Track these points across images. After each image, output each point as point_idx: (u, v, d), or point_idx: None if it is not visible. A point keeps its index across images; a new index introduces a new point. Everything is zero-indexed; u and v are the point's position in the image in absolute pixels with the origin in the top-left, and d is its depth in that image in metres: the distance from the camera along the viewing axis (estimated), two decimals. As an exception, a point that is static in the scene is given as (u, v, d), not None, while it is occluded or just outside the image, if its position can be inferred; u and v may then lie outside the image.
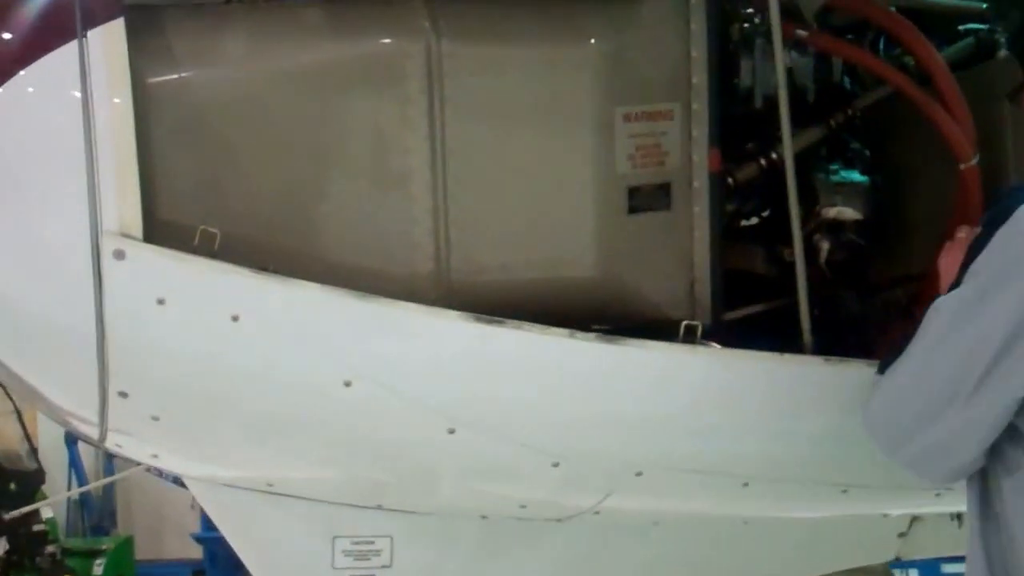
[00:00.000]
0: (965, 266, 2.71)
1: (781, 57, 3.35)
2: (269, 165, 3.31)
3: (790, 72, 3.86)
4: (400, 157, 3.34)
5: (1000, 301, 2.58)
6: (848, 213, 3.95)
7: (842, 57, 3.87)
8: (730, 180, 3.82)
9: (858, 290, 4.16)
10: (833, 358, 3.44)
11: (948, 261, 3.09)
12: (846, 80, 4.05)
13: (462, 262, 3.40)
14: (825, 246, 3.94)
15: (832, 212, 3.96)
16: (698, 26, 3.51)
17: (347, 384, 3.23)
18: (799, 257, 3.40)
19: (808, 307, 3.45)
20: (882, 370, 2.93)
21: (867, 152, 4.13)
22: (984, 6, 4.13)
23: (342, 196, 3.34)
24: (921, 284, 4.02)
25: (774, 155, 3.88)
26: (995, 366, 2.58)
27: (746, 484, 3.68)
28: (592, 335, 3.29)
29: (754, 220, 4.15)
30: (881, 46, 4.07)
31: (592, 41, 3.45)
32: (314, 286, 3.15)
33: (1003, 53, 3.94)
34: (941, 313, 2.74)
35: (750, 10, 3.77)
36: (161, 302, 3.08)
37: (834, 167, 4.04)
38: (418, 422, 3.35)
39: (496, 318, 3.22)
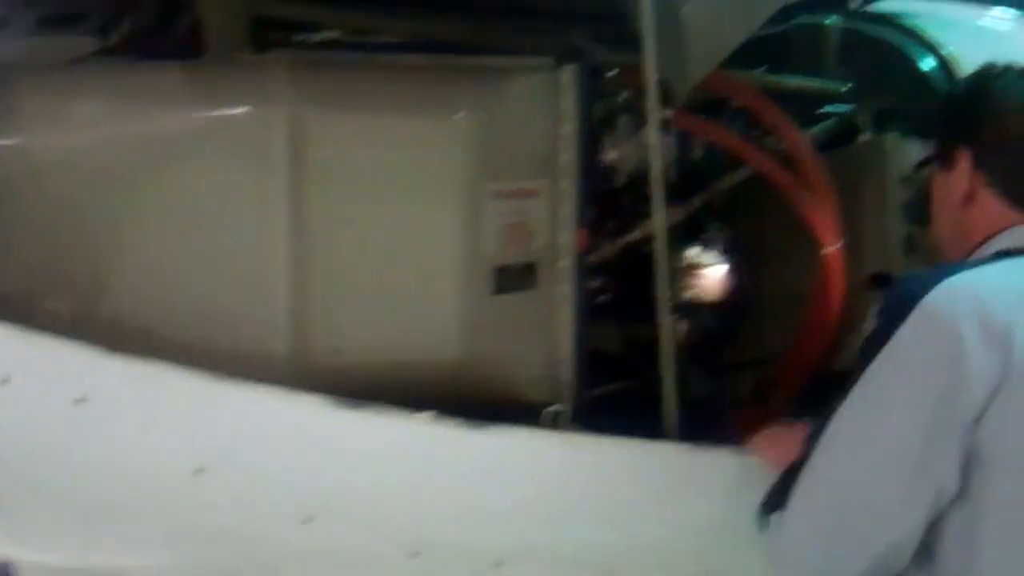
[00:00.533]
0: (863, 362, 2.61)
1: (657, 138, 3.28)
2: (119, 237, 3.14)
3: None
4: (259, 231, 3.19)
5: (911, 396, 2.50)
6: (706, 295, 3.93)
7: (707, 138, 3.84)
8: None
9: (710, 371, 4.15)
10: (698, 445, 3.38)
11: (773, 453, 3.07)
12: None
13: (321, 342, 3.26)
14: (682, 328, 3.91)
15: (691, 294, 3.94)
16: (568, 103, 3.44)
17: (198, 471, 3.05)
18: (666, 342, 3.32)
19: (674, 393, 3.37)
20: (770, 507, 2.80)
21: (725, 233, 4.11)
22: (846, 87, 4.17)
23: (197, 271, 3.18)
24: (774, 367, 4.06)
25: (632, 235, 3.86)
26: (919, 470, 2.50)
27: (609, 573, 3.59)
28: (456, 421, 3.17)
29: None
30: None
31: (462, 114, 3.34)
32: (166, 366, 2.98)
33: (865, 135, 3.99)
34: (842, 430, 2.61)
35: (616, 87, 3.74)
36: (4, 381, 2.89)
37: (691, 247, 4.02)
38: (272, 511, 3.19)
39: (357, 402, 3.09)
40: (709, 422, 3.86)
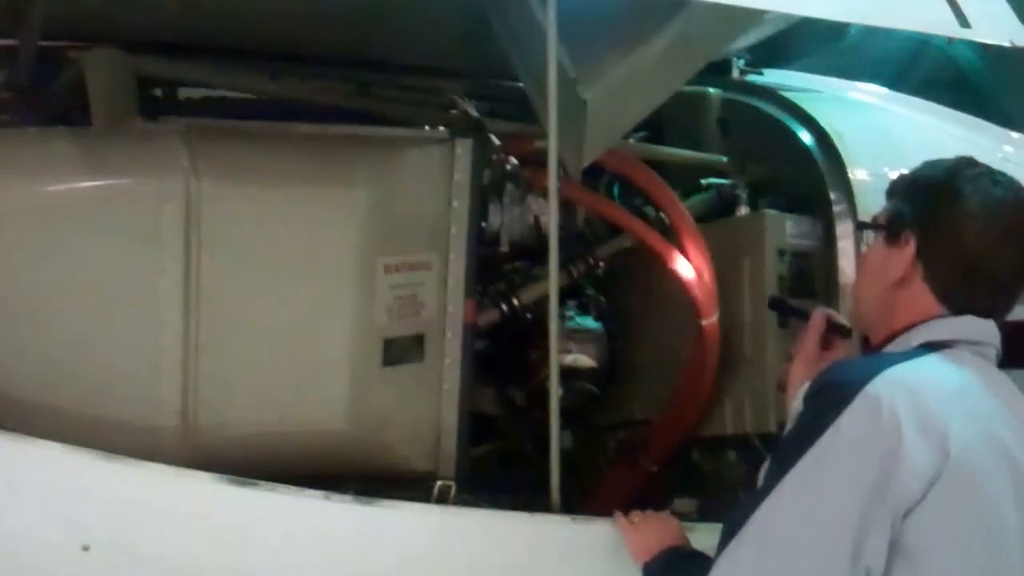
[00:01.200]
0: (794, 443, 2.61)
1: (556, 207, 3.30)
2: (5, 310, 3.08)
3: (536, 219, 3.91)
4: (151, 305, 3.16)
5: (850, 484, 2.51)
6: (583, 361, 3.98)
7: (590, 208, 3.88)
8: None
9: (580, 433, 4.21)
10: (579, 517, 3.41)
11: (635, 540, 3.13)
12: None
13: (210, 417, 3.24)
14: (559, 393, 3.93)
15: (568, 359, 3.97)
16: (461, 176, 3.47)
17: (85, 549, 2.97)
18: (554, 416, 3.34)
19: (559, 466, 3.39)
20: None
21: (601, 298, 4.17)
22: (724, 160, 4.24)
23: (85, 344, 3.14)
24: (643, 430, 4.15)
25: (515, 300, 3.91)
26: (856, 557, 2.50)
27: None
28: (348, 497, 3.16)
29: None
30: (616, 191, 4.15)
31: (357, 188, 3.36)
32: (51, 444, 2.92)
33: (743, 209, 4.05)
34: (779, 515, 2.57)
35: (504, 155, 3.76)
36: None
37: (569, 312, 4.07)
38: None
39: (249, 480, 3.05)
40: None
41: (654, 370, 4.15)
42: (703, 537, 3.31)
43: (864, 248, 3.12)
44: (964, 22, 3.26)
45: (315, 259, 3.33)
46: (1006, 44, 3.38)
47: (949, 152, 4.30)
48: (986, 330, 2.78)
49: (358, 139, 3.46)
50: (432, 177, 3.47)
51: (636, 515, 3.25)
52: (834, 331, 3.18)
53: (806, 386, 2.69)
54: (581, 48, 3.23)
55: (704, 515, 3.91)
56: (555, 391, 3.35)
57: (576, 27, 3.16)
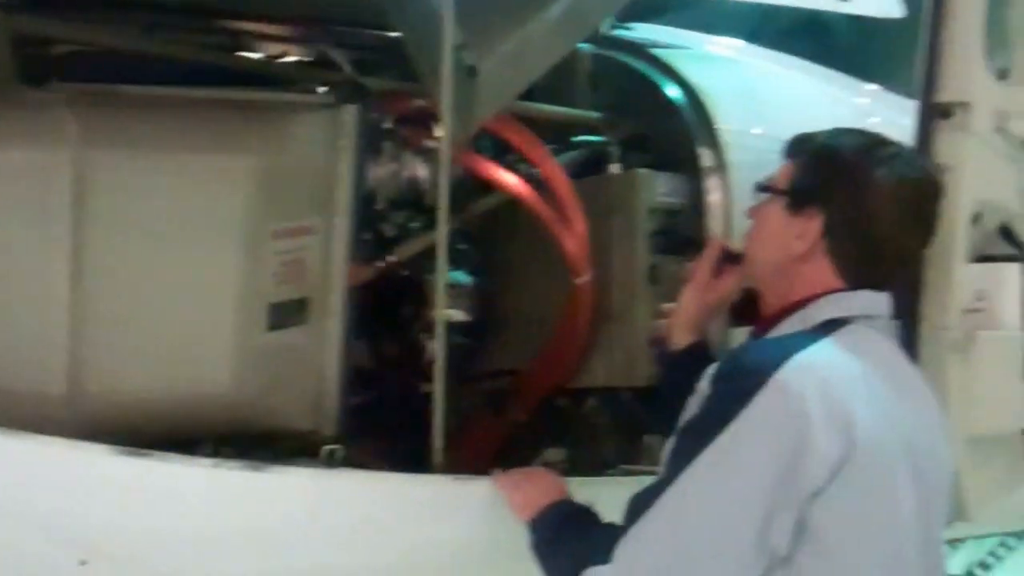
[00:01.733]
0: (699, 426, 2.69)
1: (447, 171, 3.34)
2: None
3: (414, 177, 3.95)
4: (39, 274, 3.15)
5: (759, 468, 2.59)
6: (457, 315, 4.04)
7: (469, 168, 3.91)
8: None
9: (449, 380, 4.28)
10: (462, 476, 3.49)
11: (517, 498, 3.16)
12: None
13: (98, 384, 3.25)
14: (431, 346, 3.98)
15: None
16: (347, 142, 3.50)
17: (-24, 524, 3.01)
18: (438, 379, 3.39)
19: (443, 427, 3.46)
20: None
21: (473, 252, 4.23)
22: (595, 115, 4.28)
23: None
24: (513, 382, 4.23)
25: (391, 258, 3.94)
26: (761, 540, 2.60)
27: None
28: (238, 463, 3.19)
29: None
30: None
31: (246, 155, 3.36)
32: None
33: (615, 166, 4.11)
34: (688, 496, 2.64)
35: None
36: None
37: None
38: (48, 555, 3.16)
39: (140, 450, 3.06)
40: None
41: (525, 322, 4.22)
42: (575, 491, 3.46)
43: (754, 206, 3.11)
44: None
45: (203, 227, 3.33)
46: (882, 16, 3.51)
47: (810, 105, 4.51)
48: (882, 303, 2.88)
49: (245, 105, 3.45)
50: (318, 143, 3.49)
51: (516, 472, 3.30)
52: (726, 259, 3.27)
53: (713, 368, 2.76)
54: (473, 20, 3.25)
55: (573, 463, 4.10)
56: (441, 355, 3.40)
57: (468, 8, 3.19)
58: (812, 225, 2.83)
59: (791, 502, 2.59)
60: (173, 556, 3.26)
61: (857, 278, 2.84)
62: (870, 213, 2.80)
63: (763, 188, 3.02)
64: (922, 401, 2.89)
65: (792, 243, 2.86)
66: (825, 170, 2.88)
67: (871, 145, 2.88)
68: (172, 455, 3.11)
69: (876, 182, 2.80)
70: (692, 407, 2.78)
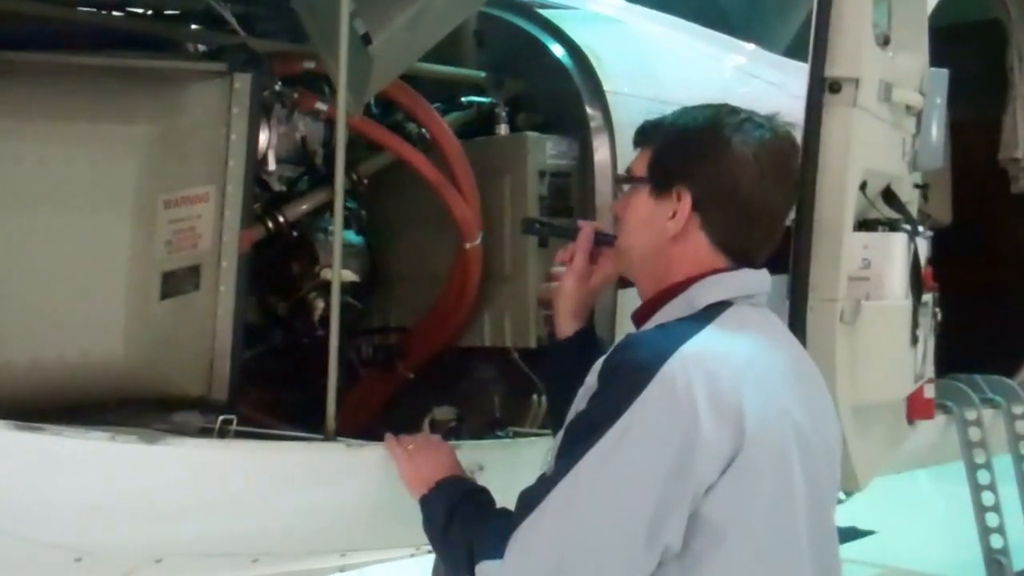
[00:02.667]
0: (595, 426, 2.64)
1: (343, 140, 3.30)
2: None
3: (303, 138, 3.91)
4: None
5: (650, 465, 2.59)
6: (347, 275, 3.99)
7: (355, 128, 3.82)
8: None
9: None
10: (355, 442, 3.49)
11: (408, 471, 3.16)
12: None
13: (-11, 354, 3.20)
14: (320, 305, 3.98)
15: (330, 273, 3.99)
16: (239, 110, 3.45)
17: None
18: (332, 347, 3.36)
19: (335, 395, 3.43)
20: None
21: (363, 212, 4.21)
22: (482, 75, 4.26)
23: None
24: (403, 339, 4.25)
25: (281, 218, 3.90)
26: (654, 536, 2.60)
27: (256, 560, 3.70)
28: (133, 436, 3.15)
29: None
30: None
31: (137, 124, 3.30)
32: None
33: (503, 128, 4.12)
34: (580, 494, 2.64)
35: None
36: None
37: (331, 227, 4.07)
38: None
39: (34, 424, 3.01)
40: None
41: (413, 280, 4.23)
42: (468, 454, 3.51)
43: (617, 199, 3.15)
44: None
45: (95, 196, 3.26)
46: None
47: (691, 65, 4.53)
48: (761, 281, 2.90)
49: (137, 73, 3.38)
50: (211, 111, 3.43)
51: (408, 441, 3.27)
52: (599, 242, 3.24)
53: (600, 362, 2.75)
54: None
55: (461, 421, 4.11)
56: (335, 327, 3.36)
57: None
58: (682, 205, 2.84)
59: (684, 499, 2.60)
60: (69, 529, 3.24)
61: (733, 247, 2.85)
62: (733, 178, 2.81)
63: (624, 179, 3.04)
64: (808, 378, 2.93)
65: (665, 225, 2.86)
66: (681, 147, 2.89)
67: (720, 115, 2.90)
68: (66, 429, 3.07)
69: (732, 148, 2.82)
70: (581, 401, 2.78)
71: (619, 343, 2.78)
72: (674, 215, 2.85)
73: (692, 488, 2.60)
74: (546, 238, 3.77)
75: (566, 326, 3.26)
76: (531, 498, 2.70)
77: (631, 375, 2.64)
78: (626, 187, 3.03)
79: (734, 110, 2.92)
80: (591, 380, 2.75)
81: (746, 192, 2.82)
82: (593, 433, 2.64)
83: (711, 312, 2.80)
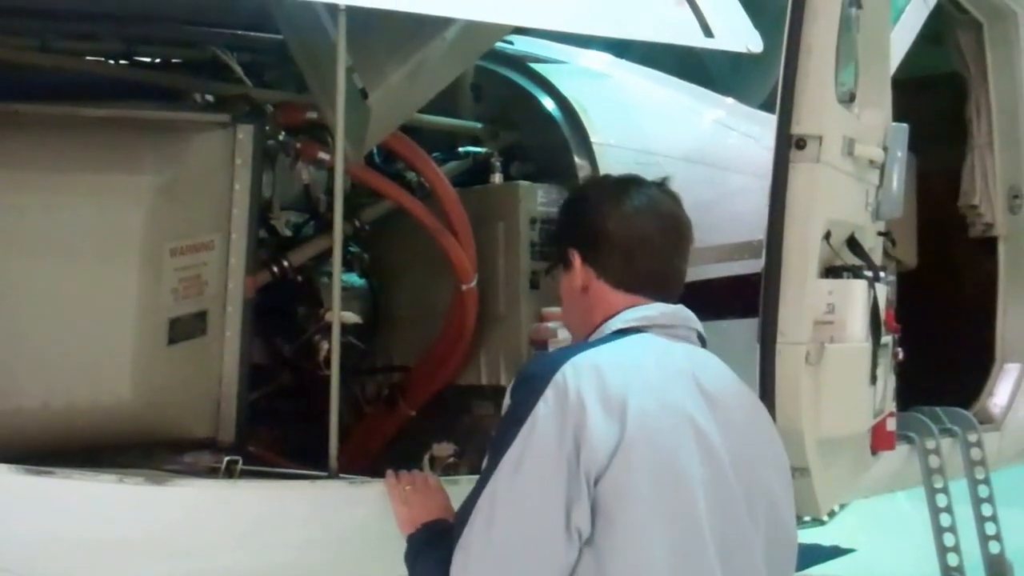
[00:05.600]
0: (504, 431, 2.62)
1: (340, 191, 3.07)
2: None
3: (307, 186, 3.70)
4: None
5: (552, 463, 2.54)
6: (349, 317, 3.79)
7: (358, 178, 3.66)
8: None
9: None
10: (356, 479, 3.28)
11: (403, 512, 3.02)
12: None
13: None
14: (325, 346, 3.74)
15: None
16: (243, 160, 3.24)
17: None
18: (334, 388, 3.17)
19: (337, 434, 3.22)
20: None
21: (365, 256, 4.00)
22: (479, 126, 4.07)
23: None
24: (405, 378, 4.03)
25: (286, 263, 3.71)
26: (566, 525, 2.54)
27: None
28: (140, 478, 2.93)
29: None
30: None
31: (143, 174, 3.10)
32: None
33: (498, 176, 3.93)
34: (497, 499, 2.59)
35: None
36: None
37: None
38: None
39: (45, 468, 2.79)
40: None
41: (414, 320, 4.03)
42: (465, 488, 3.28)
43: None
44: (708, 33, 3.22)
45: (102, 245, 3.07)
46: (744, 51, 3.36)
47: (673, 118, 4.34)
48: (676, 315, 2.83)
49: (143, 124, 3.17)
50: (215, 161, 3.23)
51: (407, 481, 3.11)
52: None
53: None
54: (365, 55, 3.04)
55: (460, 457, 3.89)
56: (335, 368, 3.17)
57: (361, 36, 2.96)
58: (576, 263, 2.86)
59: (583, 486, 2.55)
60: (81, 570, 3.01)
61: (629, 283, 2.83)
62: (602, 222, 2.83)
63: (547, 271, 3.13)
64: (743, 406, 2.83)
65: (573, 285, 2.88)
66: (561, 219, 3.00)
67: (581, 185, 3.13)
68: (76, 472, 2.85)
69: (595, 200, 2.87)
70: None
71: (524, 363, 2.83)
72: (576, 274, 2.85)
73: (586, 474, 2.55)
74: (538, 280, 3.73)
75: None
76: (461, 515, 2.64)
77: (530, 386, 2.62)
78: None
79: (589, 178, 3.19)
80: (505, 400, 2.71)
81: (616, 231, 2.82)
82: (501, 444, 2.61)
83: (616, 335, 2.76)
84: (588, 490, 2.55)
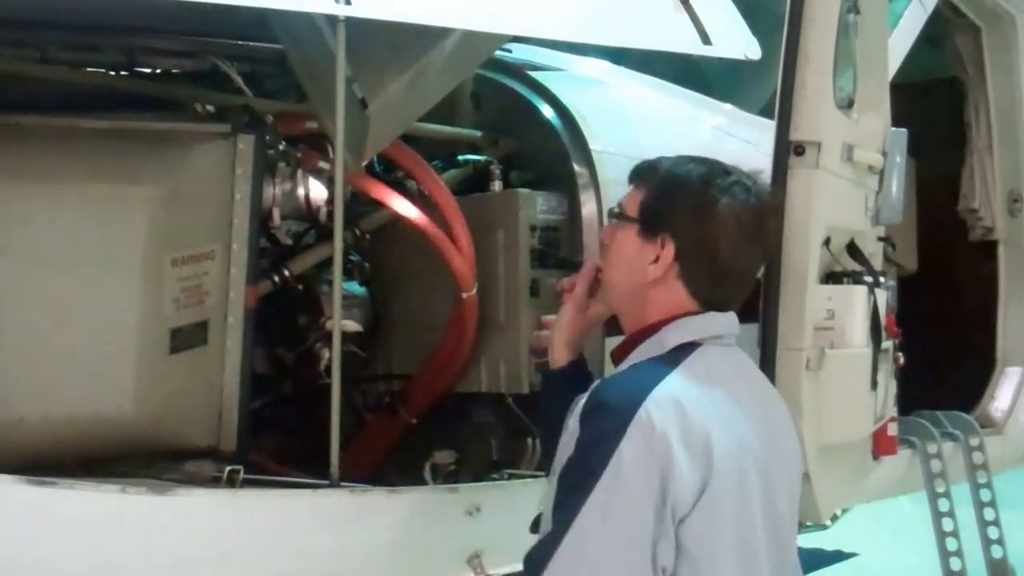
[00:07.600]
0: (586, 473, 2.54)
1: (341, 201, 3.13)
2: None
3: (307, 195, 3.71)
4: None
5: (640, 503, 2.51)
6: (350, 326, 3.79)
7: (358, 187, 3.65)
8: None
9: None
10: (357, 488, 3.30)
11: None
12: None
13: (2, 412, 2.97)
14: (326, 355, 3.75)
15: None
16: (243, 170, 3.24)
17: None
18: (335, 397, 3.18)
19: (338, 443, 3.23)
20: None
21: (366, 264, 4.00)
22: (478, 134, 4.07)
23: None
24: (407, 386, 4.02)
25: (287, 272, 3.72)
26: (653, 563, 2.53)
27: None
28: (143, 488, 2.95)
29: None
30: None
31: (144, 185, 3.10)
32: None
33: (497, 184, 3.92)
34: (586, 536, 2.54)
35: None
36: None
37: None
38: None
39: (47, 479, 2.81)
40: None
41: (414, 328, 4.02)
42: (466, 495, 3.37)
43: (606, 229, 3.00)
44: (706, 40, 3.23)
45: (104, 257, 3.07)
46: (742, 58, 3.37)
47: (672, 125, 4.35)
48: (729, 324, 2.80)
49: (143, 134, 3.18)
50: (215, 171, 3.23)
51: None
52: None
53: (581, 403, 2.63)
54: (365, 65, 3.05)
55: (460, 464, 3.91)
56: (336, 376, 3.19)
57: (360, 46, 2.98)
58: (665, 253, 2.74)
59: (669, 526, 2.54)
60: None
61: (705, 299, 2.76)
62: (715, 239, 2.72)
63: (616, 215, 2.90)
64: (771, 410, 2.85)
65: (647, 268, 2.76)
66: (673, 198, 2.78)
67: (712, 174, 2.79)
68: (78, 482, 2.87)
69: (719, 210, 2.73)
70: (566, 447, 2.65)
71: (595, 387, 2.69)
72: (656, 260, 2.75)
73: (671, 516, 2.54)
74: (538, 288, 3.71)
75: (561, 355, 3.07)
76: (538, 557, 2.56)
77: (610, 420, 2.55)
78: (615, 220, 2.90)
79: (726, 170, 2.80)
80: (572, 424, 2.64)
81: (724, 254, 2.74)
82: (584, 483, 2.54)
83: (679, 353, 2.71)
84: (673, 528, 2.55)
